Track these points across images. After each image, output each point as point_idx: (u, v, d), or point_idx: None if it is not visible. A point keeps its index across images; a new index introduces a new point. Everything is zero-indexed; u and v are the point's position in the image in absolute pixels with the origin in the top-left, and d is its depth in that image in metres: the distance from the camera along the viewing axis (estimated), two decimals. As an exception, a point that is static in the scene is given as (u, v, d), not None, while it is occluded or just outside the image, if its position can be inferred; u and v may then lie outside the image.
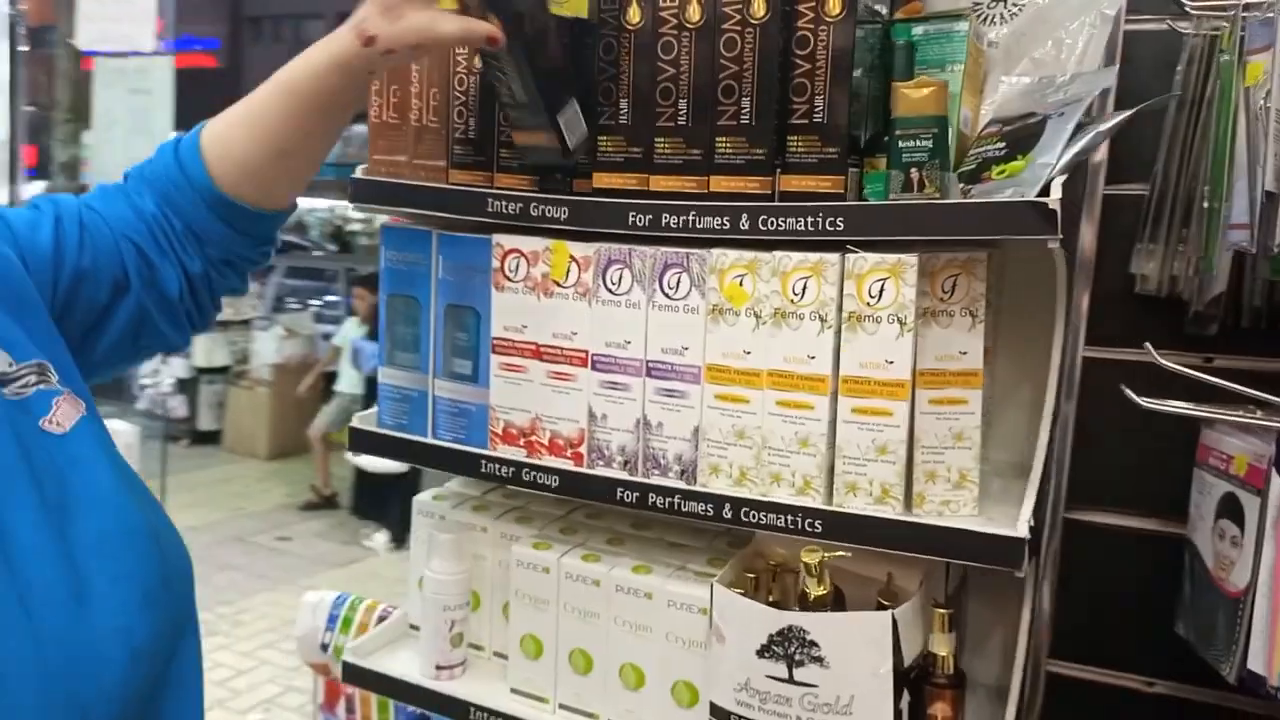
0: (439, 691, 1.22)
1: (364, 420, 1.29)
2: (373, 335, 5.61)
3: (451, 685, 1.23)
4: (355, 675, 1.27)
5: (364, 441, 1.26)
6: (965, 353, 0.99)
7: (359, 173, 1.22)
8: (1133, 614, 1.23)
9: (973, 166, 0.98)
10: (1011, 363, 1.21)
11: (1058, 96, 1.00)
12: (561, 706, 1.19)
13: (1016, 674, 1.09)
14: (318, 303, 9.13)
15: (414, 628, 1.34)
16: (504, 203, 1.12)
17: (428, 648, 1.24)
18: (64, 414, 0.72)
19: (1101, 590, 1.26)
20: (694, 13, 1.00)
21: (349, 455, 5.35)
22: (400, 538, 5.37)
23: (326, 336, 7.74)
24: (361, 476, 5.69)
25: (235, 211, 0.88)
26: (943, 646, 1.01)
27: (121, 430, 2.05)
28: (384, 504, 5.48)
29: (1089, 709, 1.26)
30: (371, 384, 5.47)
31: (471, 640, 1.29)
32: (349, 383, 5.83)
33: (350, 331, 5.97)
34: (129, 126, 2.38)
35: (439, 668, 1.24)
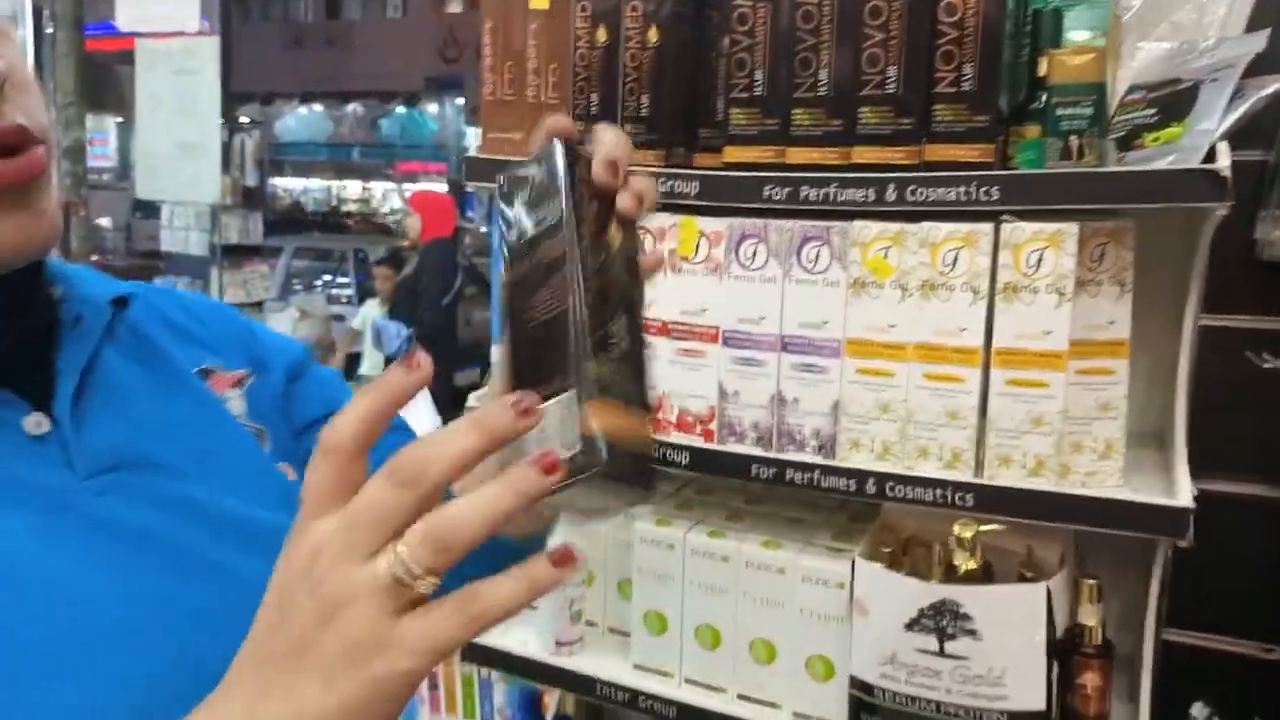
0: (563, 667, 1.22)
1: (476, 398, 1.28)
2: (393, 315, 5.58)
3: (573, 660, 1.23)
4: (475, 652, 1.26)
5: (479, 422, 1.25)
6: (1113, 322, 0.99)
7: (473, 151, 1.20)
8: (1249, 580, 1.24)
9: (1123, 134, 0.97)
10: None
11: (1204, 61, 0.99)
12: (688, 681, 1.19)
13: (1148, 643, 1.09)
14: (323, 284, 9.09)
15: (531, 606, 1.33)
16: (629, 178, 1.11)
17: (548, 624, 1.24)
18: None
19: (1216, 557, 1.26)
20: (838, -19, 0.99)
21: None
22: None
23: (339, 318, 7.71)
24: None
25: None
26: (1091, 617, 1.01)
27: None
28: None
29: (1205, 675, 1.27)
30: (388, 363, 5.45)
31: (587, 617, 1.29)
32: (372, 365, 5.80)
33: (370, 312, 5.93)
34: (174, 108, 2.35)
35: (559, 643, 1.24)
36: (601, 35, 1.11)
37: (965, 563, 0.99)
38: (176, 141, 2.38)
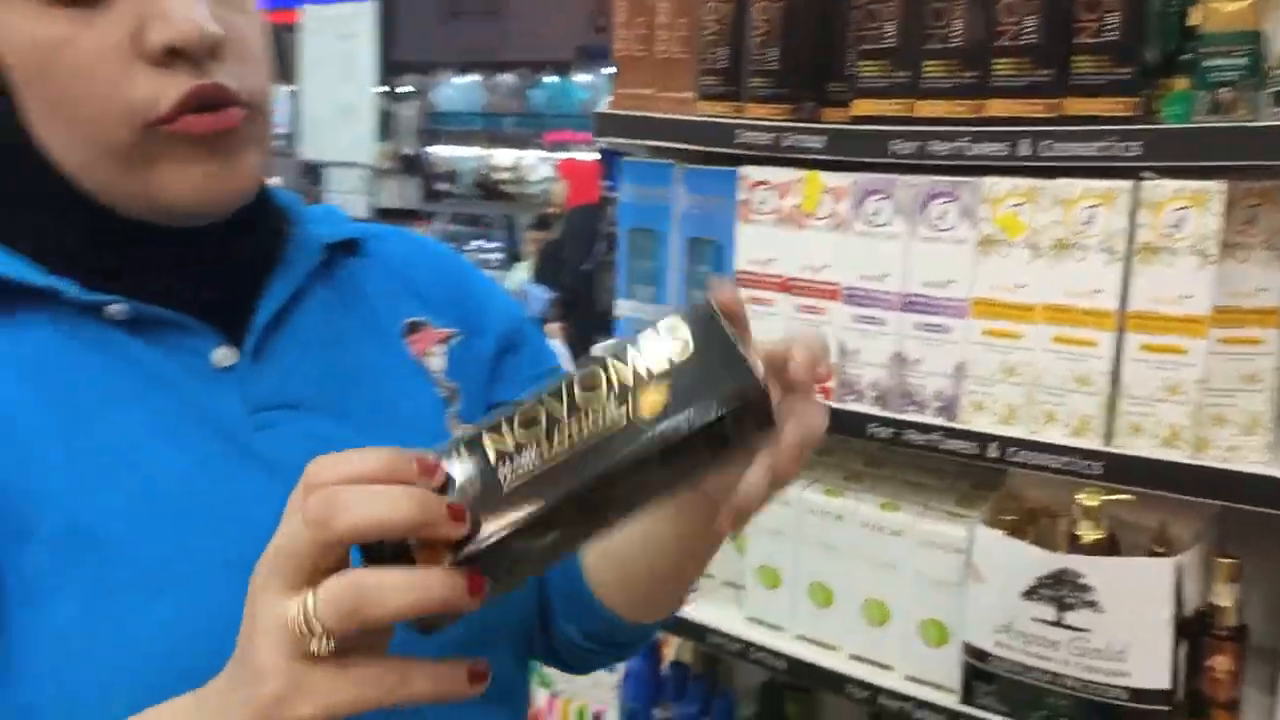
0: (677, 614, 1.25)
1: (599, 349, 1.31)
2: (537, 279, 5.72)
3: (687, 609, 1.26)
4: (593, 599, 1.31)
5: (603, 373, 1.29)
6: (1264, 289, 0.93)
7: (604, 107, 1.22)
8: None
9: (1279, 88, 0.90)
10: None
11: (1384, 5, 0.91)
12: (799, 637, 1.20)
13: (1294, 630, 1.03)
14: (475, 248, 9.39)
15: (644, 556, 1.37)
16: (755, 133, 1.11)
17: (663, 576, 1.27)
18: None
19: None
20: (975, -73, 0.96)
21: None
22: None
23: (486, 281, 7.96)
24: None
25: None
26: (1226, 598, 0.96)
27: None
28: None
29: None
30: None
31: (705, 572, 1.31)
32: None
33: (520, 276, 6.10)
34: (335, 72, 2.47)
35: (675, 595, 1.27)
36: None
37: (1089, 533, 0.95)
38: (336, 105, 2.50)
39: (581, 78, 8.46)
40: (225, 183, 0.58)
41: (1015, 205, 0.98)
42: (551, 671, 1.79)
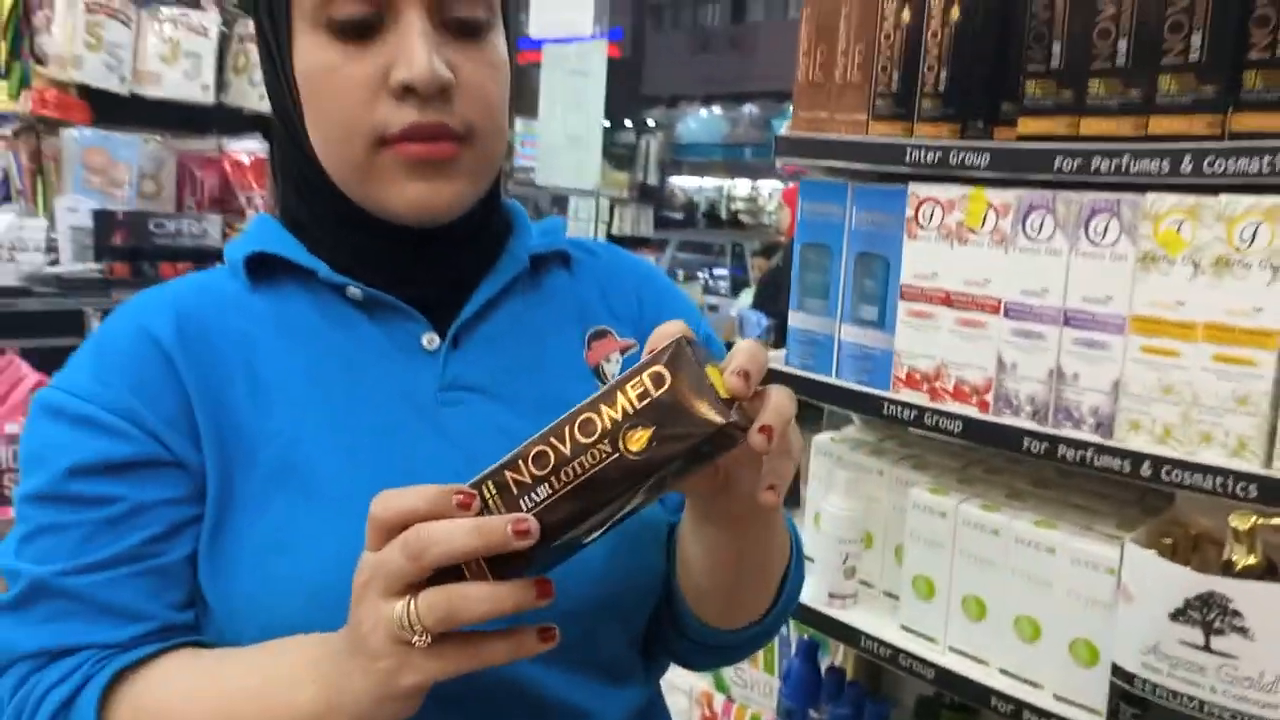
0: (832, 616, 1.30)
1: (771, 362, 1.39)
2: (756, 305, 5.82)
3: (844, 613, 1.30)
4: (753, 593, 1.38)
5: (772, 380, 1.36)
6: None
7: (784, 130, 1.31)
8: None
9: None
10: None
11: None
12: (951, 649, 1.21)
13: None
14: (706, 275, 9.61)
15: (807, 558, 1.42)
16: (923, 152, 1.16)
17: (822, 576, 1.32)
18: None
19: None
20: (1142, -53, 0.97)
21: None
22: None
23: (713, 308, 8.14)
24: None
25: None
26: (1404, 639, 0.90)
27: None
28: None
29: None
30: (753, 352, 5.67)
31: (862, 577, 1.35)
32: (739, 352, 6.08)
33: (743, 301, 6.23)
34: (567, 104, 2.69)
35: (832, 595, 1.32)
36: (906, 14, 1.16)
37: (1243, 558, 0.93)
38: (568, 135, 2.72)
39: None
40: (433, 201, 0.70)
41: (1177, 222, 0.97)
42: (728, 676, 1.87)
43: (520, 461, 0.53)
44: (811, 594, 1.34)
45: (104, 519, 0.67)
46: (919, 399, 1.20)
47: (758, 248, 6.93)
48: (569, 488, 0.53)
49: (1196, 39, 0.94)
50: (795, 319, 1.36)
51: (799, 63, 1.29)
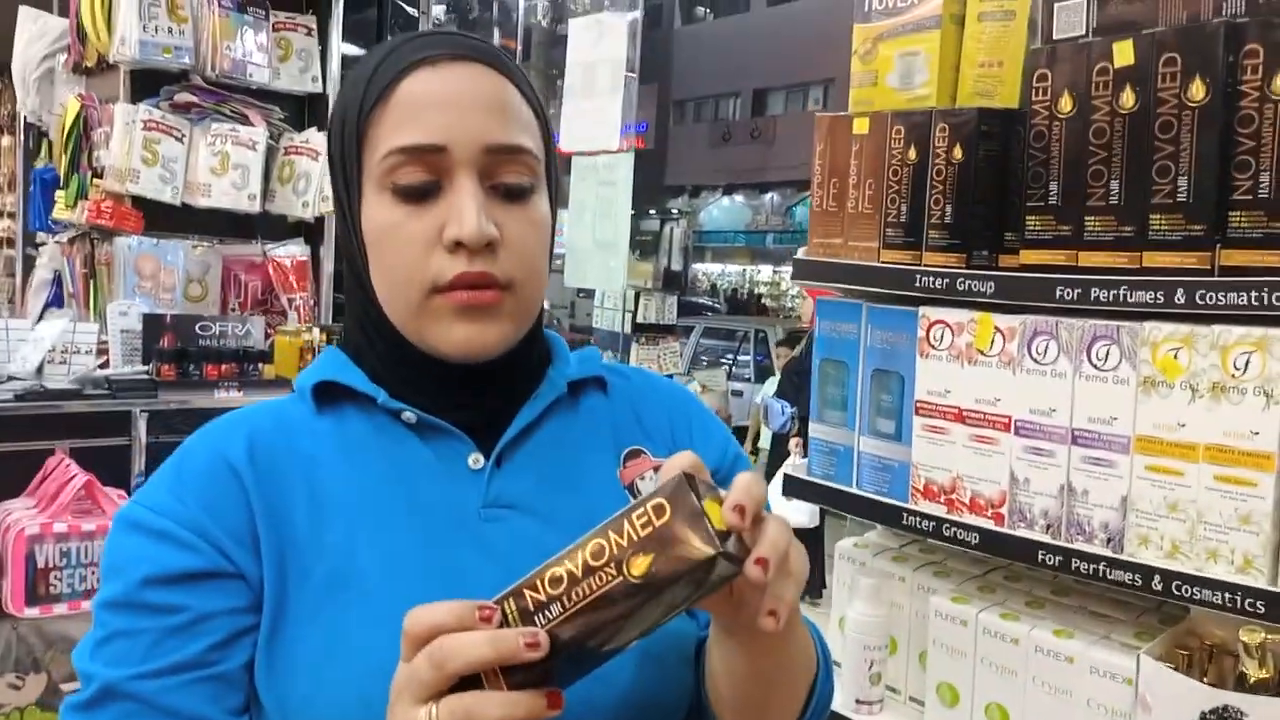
0: (856, 725, 1.33)
1: (796, 469, 1.45)
2: (779, 394, 5.87)
3: (869, 720, 1.33)
4: (781, 699, 1.41)
5: (796, 488, 1.42)
6: None
7: (800, 254, 1.39)
8: None
9: None
10: None
11: None
12: (975, 757, 1.24)
13: None
14: (730, 361, 9.71)
15: (835, 663, 1.46)
16: (932, 278, 1.23)
17: (849, 682, 1.36)
18: None
19: None
20: (1128, 100, 1.05)
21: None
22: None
23: (737, 393, 8.20)
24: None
25: None
26: None
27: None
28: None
29: None
30: (776, 440, 5.73)
31: (888, 683, 1.38)
32: (765, 439, 6.12)
33: (769, 390, 6.28)
34: (596, 211, 2.81)
35: (859, 702, 1.35)
36: (912, 154, 1.25)
37: (1255, 671, 0.96)
38: (596, 240, 2.84)
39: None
40: (477, 342, 0.79)
41: (1173, 349, 1.03)
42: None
43: (538, 580, 0.60)
44: (839, 700, 1.37)
45: (172, 627, 0.73)
46: (937, 510, 1.25)
47: (781, 336, 7.02)
48: (579, 606, 0.58)
49: (1183, 182, 1.01)
50: (816, 430, 1.42)
51: (813, 193, 1.38)
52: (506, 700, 0.58)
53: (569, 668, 0.60)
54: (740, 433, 6.75)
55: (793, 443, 4.63)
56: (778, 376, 6.35)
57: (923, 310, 1.26)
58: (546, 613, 0.59)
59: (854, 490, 1.36)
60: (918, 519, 1.26)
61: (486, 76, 0.79)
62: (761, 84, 21.97)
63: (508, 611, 0.60)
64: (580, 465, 0.86)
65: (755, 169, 21.43)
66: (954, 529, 1.22)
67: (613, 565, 0.58)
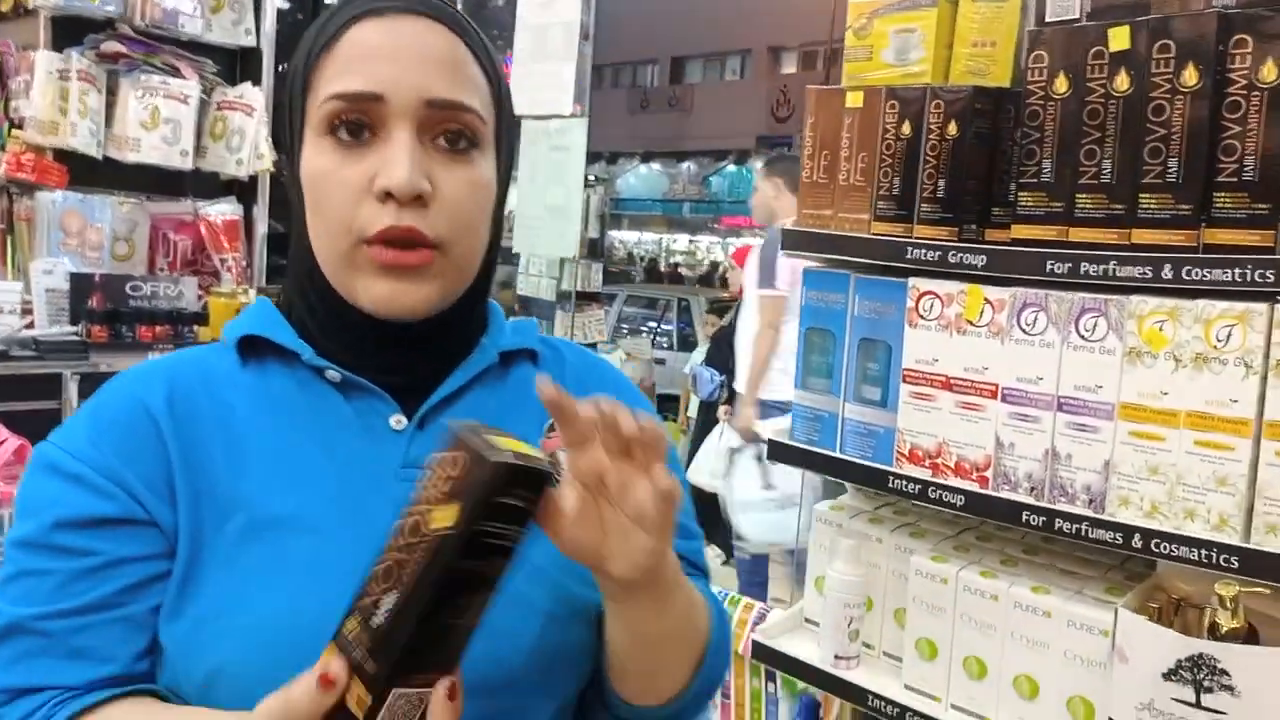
0: (840, 677, 1.38)
1: (780, 434, 1.48)
2: (708, 362, 5.94)
3: (850, 674, 1.39)
4: (764, 653, 1.46)
5: (781, 452, 1.46)
6: (1404, 404, 1.01)
7: (788, 224, 1.42)
8: None
9: None
10: None
11: None
12: (954, 706, 1.31)
13: None
14: (649, 330, 9.76)
15: (810, 621, 1.51)
16: (923, 250, 1.28)
17: (828, 639, 1.41)
18: None
19: None
20: (1123, 83, 1.10)
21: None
22: (730, 554, 5.64)
23: (660, 361, 8.26)
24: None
25: None
26: (1368, 693, 1.02)
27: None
28: (713, 525, 5.77)
29: None
30: (704, 408, 5.82)
31: (864, 639, 1.44)
32: (693, 408, 6.19)
33: (695, 358, 6.35)
34: (548, 177, 2.80)
35: (838, 657, 1.40)
36: (906, 129, 1.29)
37: (1227, 622, 1.04)
38: (547, 206, 2.82)
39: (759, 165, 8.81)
40: (401, 301, 0.79)
41: (1159, 322, 1.10)
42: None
43: (370, 584, 0.61)
44: (818, 656, 1.42)
45: (82, 569, 0.75)
46: (922, 474, 1.31)
47: (708, 305, 7.10)
48: (414, 584, 0.59)
49: (1173, 163, 1.07)
50: (800, 396, 1.46)
51: (804, 164, 1.40)
52: None
53: (445, 648, 0.61)
54: (667, 400, 6.81)
55: (721, 410, 4.70)
56: (706, 346, 6.42)
57: (912, 281, 1.30)
58: (385, 608, 0.59)
59: (838, 454, 1.40)
60: (904, 482, 1.31)
61: (434, 31, 0.79)
62: (680, 52, 21.96)
63: (348, 633, 0.61)
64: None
65: (673, 137, 21.46)
66: (940, 491, 1.27)
67: (426, 529, 0.59)
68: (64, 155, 2.93)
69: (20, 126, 2.90)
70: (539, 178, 2.78)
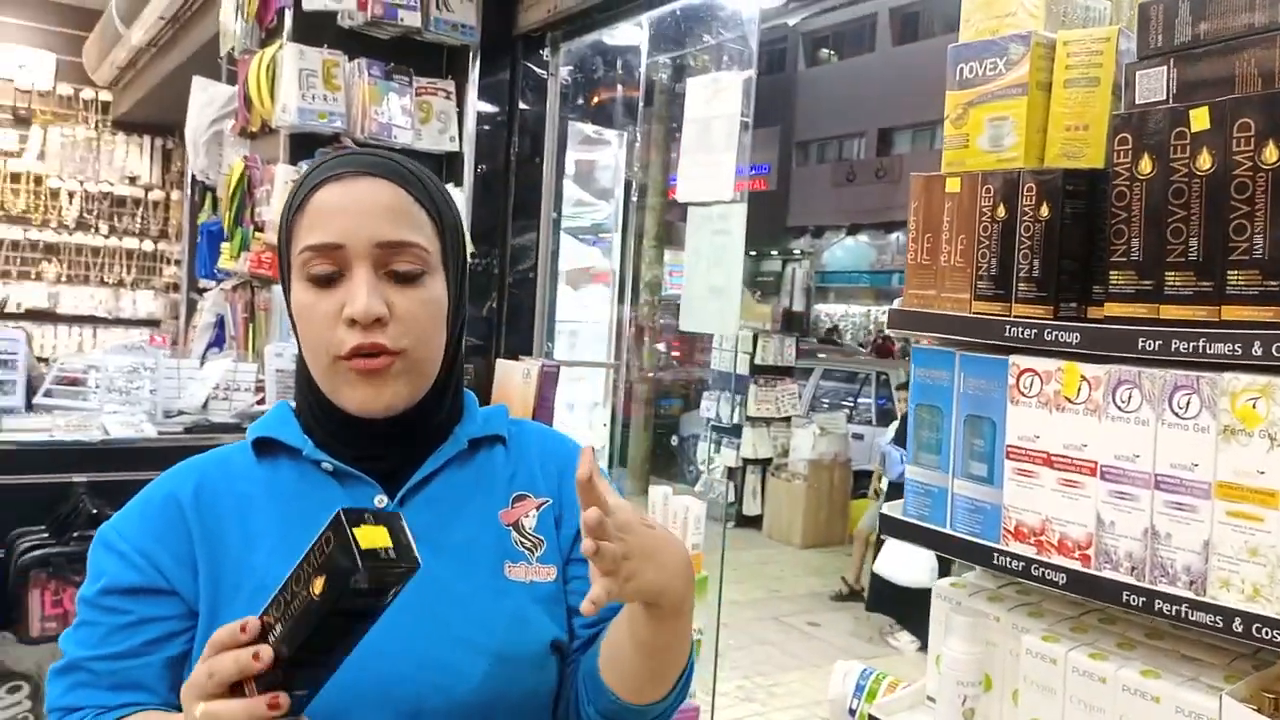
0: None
1: (893, 509, 1.52)
2: (896, 440, 5.83)
3: (961, 753, 1.38)
4: (879, 730, 1.47)
5: (892, 527, 1.49)
6: None
7: (896, 304, 1.47)
8: None
9: None
10: None
11: None
12: (1065, 793, 1.28)
13: None
14: (850, 404, 9.64)
15: (930, 699, 1.51)
16: (1020, 329, 1.30)
17: (943, 717, 1.41)
18: (531, 574, 1.08)
19: None
20: (1204, 161, 1.11)
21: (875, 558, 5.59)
22: (926, 642, 5.43)
23: (857, 436, 8.15)
24: (878, 578, 5.86)
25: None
26: None
27: (692, 505, 2.51)
28: (911, 609, 5.59)
29: None
30: (892, 489, 5.69)
31: (983, 718, 1.43)
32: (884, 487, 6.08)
33: (886, 436, 6.24)
34: (710, 260, 2.94)
35: (951, 736, 1.40)
36: (1001, 211, 1.33)
37: (1333, 715, 0.99)
38: (710, 287, 2.97)
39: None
40: (375, 402, 1.00)
41: (1252, 399, 1.07)
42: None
43: (272, 607, 0.80)
44: (933, 734, 1.42)
45: (119, 625, 0.99)
46: (1027, 551, 1.31)
47: (902, 379, 6.97)
48: (291, 623, 0.77)
49: (1259, 240, 1.06)
50: (912, 472, 1.49)
51: (909, 247, 1.46)
52: (242, 705, 0.78)
53: (306, 674, 0.79)
54: (862, 477, 6.70)
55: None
56: (897, 424, 6.30)
57: (1013, 359, 1.32)
58: (276, 630, 0.79)
59: (948, 530, 1.42)
60: (1008, 559, 1.32)
61: (381, 187, 1.00)
62: (887, 123, 21.82)
63: (266, 625, 0.80)
64: (469, 506, 1.08)
65: (880, 208, 21.23)
66: (1042, 569, 1.27)
67: (303, 588, 0.77)
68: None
69: (262, 230, 3.38)
70: (702, 262, 2.93)
